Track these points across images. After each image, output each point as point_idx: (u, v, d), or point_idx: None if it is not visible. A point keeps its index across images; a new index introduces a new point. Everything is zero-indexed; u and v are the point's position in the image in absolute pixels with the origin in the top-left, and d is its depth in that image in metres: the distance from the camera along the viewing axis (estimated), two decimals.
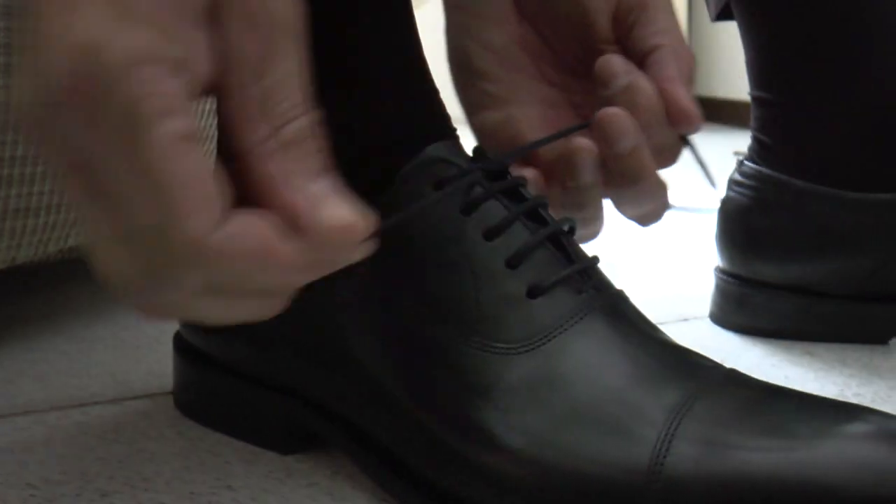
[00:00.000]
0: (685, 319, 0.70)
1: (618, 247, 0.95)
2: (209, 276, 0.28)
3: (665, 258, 0.94)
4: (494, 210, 0.42)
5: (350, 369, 0.42)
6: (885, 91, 0.64)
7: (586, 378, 0.39)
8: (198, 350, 0.50)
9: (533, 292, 0.40)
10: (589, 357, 0.39)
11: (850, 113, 0.64)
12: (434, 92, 0.46)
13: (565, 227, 0.43)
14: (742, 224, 0.67)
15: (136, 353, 0.63)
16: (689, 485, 0.35)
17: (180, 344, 0.51)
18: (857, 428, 0.37)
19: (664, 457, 0.36)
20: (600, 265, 0.43)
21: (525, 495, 0.37)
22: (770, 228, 0.66)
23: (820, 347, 0.64)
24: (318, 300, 0.42)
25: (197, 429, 0.50)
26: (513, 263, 0.41)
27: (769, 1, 0.66)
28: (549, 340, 0.39)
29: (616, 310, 0.42)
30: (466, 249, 0.41)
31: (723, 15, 0.71)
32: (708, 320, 0.70)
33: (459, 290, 0.40)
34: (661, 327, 0.67)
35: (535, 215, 0.43)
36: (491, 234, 0.41)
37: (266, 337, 0.46)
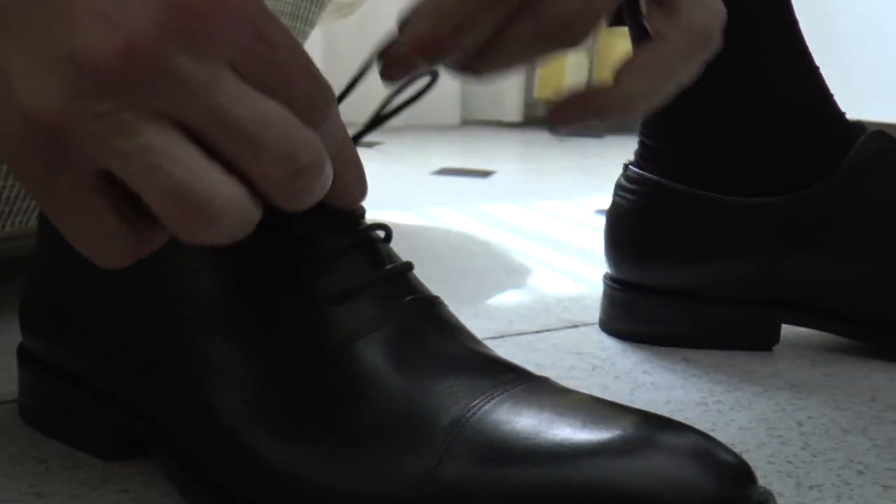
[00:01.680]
0: (574, 326, 0.70)
1: (520, 250, 0.95)
2: None
3: (569, 263, 0.93)
4: (308, 217, 0.41)
5: (160, 374, 0.42)
6: (764, 97, 0.63)
7: (375, 388, 0.38)
8: (38, 357, 0.50)
9: (336, 299, 0.40)
10: (382, 365, 0.39)
11: (729, 118, 0.64)
12: None
13: (381, 233, 0.43)
14: (627, 229, 0.66)
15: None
16: (462, 496, 0.35)
17: (23, 351, 0.51)
18: (662, 441, 0.36)
19: (439, 467, 0.35)
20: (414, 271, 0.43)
21: None
22: (654, 234, 0.65)
23: (700, 354, 0.63)
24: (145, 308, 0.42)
25: (34, 435, 0.49)
26: (319, 270, 0.40)
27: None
28: (348, 348, 0.39)
29: (423, 316, 0.41)
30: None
31: (617, 20, 0.70)
32: (597, 327, 0.69)
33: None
34: (549, 333, 0.68)
35: (348, 218, 0.42)
36: (300, 240, 0.41)
37: (92, 340, 0.45)
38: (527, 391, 0.39)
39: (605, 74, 2.49)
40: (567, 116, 0.42)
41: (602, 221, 0.68)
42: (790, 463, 0.48)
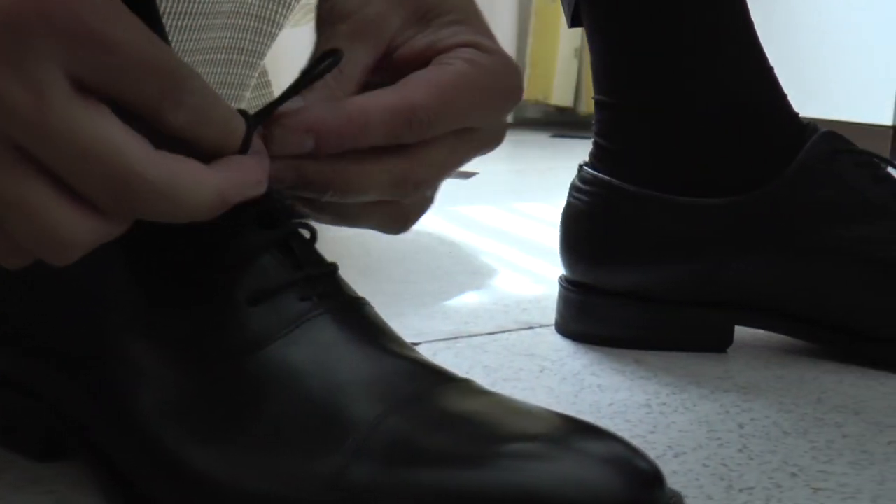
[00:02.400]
0: (530, 327, 0.69)
1: (489, 251, 0.95)
2: None
3: (536, 264, 0.93)
4: (227, 215, 0.41)
5: (83, 376, 0.42)
6: (717, 97, 0.63)
7: (288, 389, 0.38)
8: None
9: (254, 299, 0.39)
10: (297, 367, 0.39)
11: (681, 118, 0.63)
12: None
13: (305, 233, 0.43)
14: (581, 231, 0.66)
15: None
16: (369, 498, 0.35)
17: None
18: (574, 445, 0.35)
19: (347, 469, 0.35)
20: (335, 272, 0.43)
21: None
22: (607, 235, 0.65)
23: (652, 355, 0.63)
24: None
25: None
26: (237, 268, 0.40)
27: (610, 7, 0.65)
28: (263, 349, 0.39)
29: (344, 318, 0.41)
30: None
31: (577, 21, 0.70)
32: (553, 329, 0.69)
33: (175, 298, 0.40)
34: (503, 335, 0.68)
35: (268, 218, 0.42)
36: (219, 239, 0.40)
37: (16, 338, 0.45)
38: (445, 393, 0.39)
39: None
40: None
41: None
42: (725, 465, 0.47)
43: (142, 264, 0.41)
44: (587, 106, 2.18)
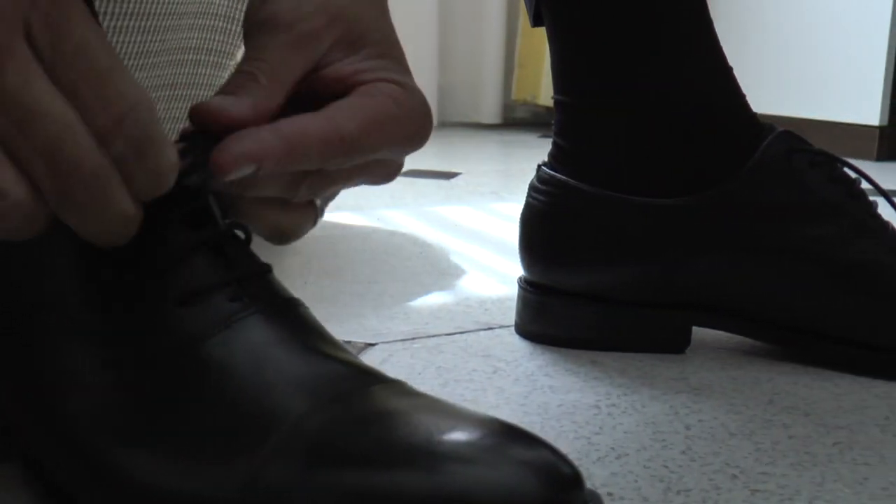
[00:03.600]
0: (489, 328, 0.69)
1: (459, 251, 0.94)
2: None
3: (504, 265, 0.93)
4: (156, 217, 0.41)
5: (14, 379, 0.42)
6: (671, 99, 0.63)
7: (213, 390, 0.38)
8: None
9: (183, 300, 0.39)
10: (225, 367, 0.38)
11: (637, 119, 0.63)
12: None
13: (240, 234, 0.42)
14: (539, 231, 0.66)
15: None
16: (283, 498, 0.34)
17: None
18: (495, 448, 0.35)
19: (263, 469, 0.35)
20: (273, 274, 0.43)
21: None
22: (564, 235, 0.64)
23: (609, 357, 0.63)
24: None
25: None
26: (166, 269, 0.40)
27: (568, 7, 0.65)
28: (191, 350, 0.39)
29: (276, 318, 0.41)
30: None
31: (539, 21, 0.70)
32: (513, 329, 0.68)
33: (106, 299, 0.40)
34: (461, 335, 0.67)
35: (199, 219, 0.42)
36: (148, 240, 0.40)
37: None
38: (371, 395, 0.39)
39: None
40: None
41: None
42: (666, 467, 0.47)
43: (72, 266, 0.41)
44: None
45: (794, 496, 0.44)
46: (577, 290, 0.64)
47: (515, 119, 2.32)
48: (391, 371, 0.59)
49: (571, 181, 0.64)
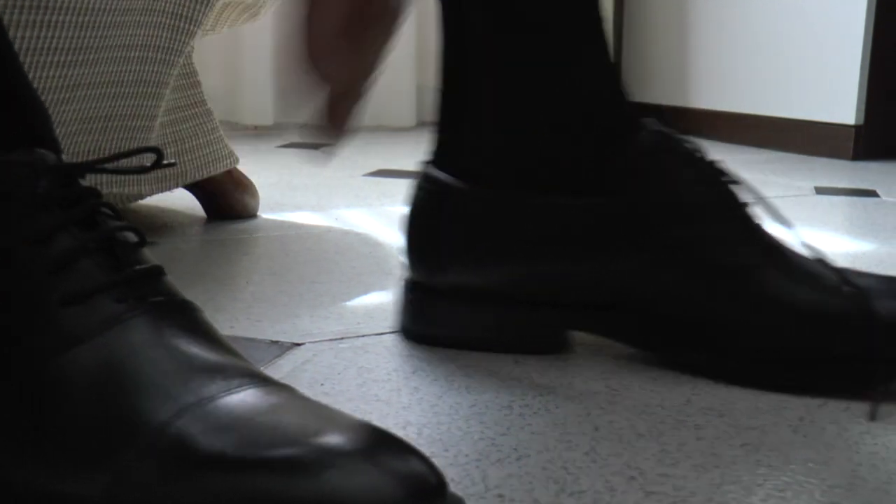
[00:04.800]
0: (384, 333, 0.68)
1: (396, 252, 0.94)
2: None
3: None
4: (43, 218, 0.41)
5: None
6: (554, 96, 0.61)
7: (91, 391, 0.38)
8: None
9: (67, 300, 0.39)
10: (103, 368, 0.38)
11: (520, 115, 0.62)
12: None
13: (132, 237, 0.42)
14: (424, 230, 0.64)
15: None
16: (146, 499, 0.34)
17: None
18: (365, 456, 0.35)
19: (128, 469, 0.35)
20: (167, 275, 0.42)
21: None
22: (451, 234, 0.63)
23: (534, 357, 0.62)
24: None
25: None
26: (51, 270, 0.40)
27: (456, 4, 0.63)
28: (72, 350, 0.38)
29: (163, 320, 0.40)
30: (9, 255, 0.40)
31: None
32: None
33: None
34: (390, 336, 0.67)
35: (89, 222, 0.42)
36: (33, 241, 0.40)
37: None
38: (247, 398, 0.38)
39: None
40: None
41: None
42: (565, 468, 0.46)
43: None
44: None
45: (689, 498, 0.44)
46: (464, 290, 0.63)
47: None
48: (312, 371, 0.59)
49: (453, 179, 0.62)
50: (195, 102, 1.03)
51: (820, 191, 1.40)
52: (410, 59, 2.12)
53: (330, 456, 0.34)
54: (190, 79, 1.02)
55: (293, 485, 0.33)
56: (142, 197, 0.99)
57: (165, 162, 0.45)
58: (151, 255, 0.43)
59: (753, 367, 0.58)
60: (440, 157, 0.64)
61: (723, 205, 0.60)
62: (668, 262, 0.59)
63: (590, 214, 0.60)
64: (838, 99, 1.80)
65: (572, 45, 0.61)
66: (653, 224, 0.59)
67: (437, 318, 0.64)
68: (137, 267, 0.41)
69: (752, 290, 0.58)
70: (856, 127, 1.77)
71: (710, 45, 2.05)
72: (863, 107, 1.77)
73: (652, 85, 2.22)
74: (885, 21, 1.76)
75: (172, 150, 1.00)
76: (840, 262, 0.94)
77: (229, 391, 0.38)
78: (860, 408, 0.55)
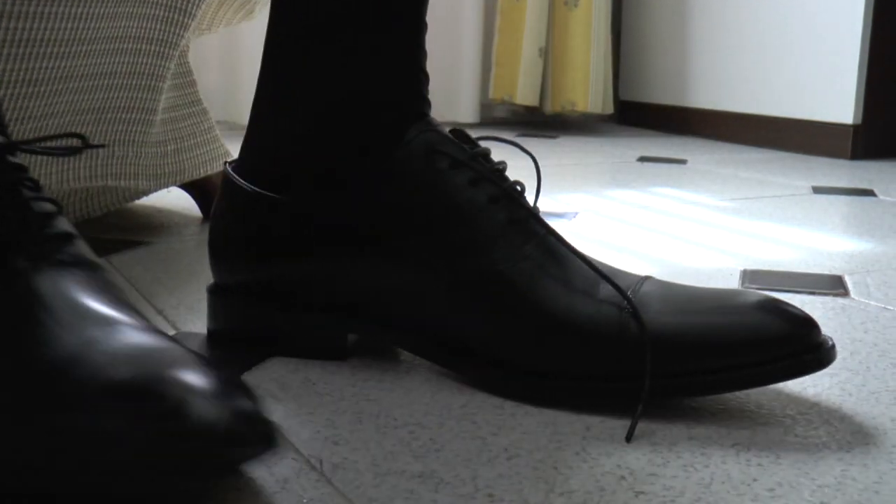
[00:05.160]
0: None
1: None
2: None
3: None
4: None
5: None
6: (318, 91, 0.61)
7: None
8: None
9: None
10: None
11: (291, 119, 0.62)
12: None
13: (50, 208, 0.44)
14: (218, 232, 0.64)
15: None
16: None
17: None
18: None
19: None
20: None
21: None
22: (227, 233, 0.63)
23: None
24: None
25: None
26: None
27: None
28: None
29: (62, 275, 0.45)
30: None
31: None
32: None
33: None
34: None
35: (13, 193, 0.47)
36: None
37: None
38: (114, 340, 0.42)
39: (560, 74, 2.47)
40: None
41: None
42: (555, 468, 0.47)
43: None
44: (552, 105, 2.17)
45: (678, 498, 0.44)
46: (238, 287, 0.63)
47: (494, 119, 2.31)
48: (304, 370, 0.59)
49: (234, 178, 0.63)
50: (191, 102, 1.03)
51: (818, 190, 1.40)
52: None
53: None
54: (185, 78, 1.02)
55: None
56: (140, 196, 0.99)
57: (94, 143, 0.48)
58: (68, 224, 0.48)
59: (528, 382, 0.55)
60: (239, 159, 0.65)
61: (494, 209, 0.57)
62: (428, 268, 0.57)
63: (350, 214, 0.59)
64: (836, 98, 1.80)
65: (347, 40, 0.60)
66: (418, 227, 0.57)
67: (225, 315, 0.64)
68: (46, 231, 0.46)
69: (506, 297, 0.56)
70: (854, 126, 1.77)
71: (708, 45, 2.05)
72: (861, 106, 1.78)
73: (650, 84, 2.22)
74: (883, 21, 1.77)
75: (169, 148, 1.00)
76: (839, 261, 0.94)
77: (103, 337, 0.42)
78: (848, 409, 0.55)
